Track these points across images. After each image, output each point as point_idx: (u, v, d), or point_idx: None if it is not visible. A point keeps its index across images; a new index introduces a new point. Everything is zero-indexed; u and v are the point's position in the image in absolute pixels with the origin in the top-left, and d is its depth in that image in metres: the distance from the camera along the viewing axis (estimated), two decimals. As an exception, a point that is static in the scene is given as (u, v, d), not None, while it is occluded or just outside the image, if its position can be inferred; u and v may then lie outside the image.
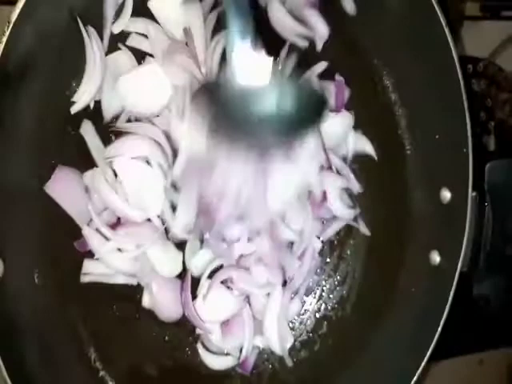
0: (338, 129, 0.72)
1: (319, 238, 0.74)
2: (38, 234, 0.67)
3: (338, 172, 0.74)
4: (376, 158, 0.75)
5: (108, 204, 0.67)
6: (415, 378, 0.64)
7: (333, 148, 0.73)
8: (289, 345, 0.74)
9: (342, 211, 0.73)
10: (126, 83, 0.66)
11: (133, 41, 0.70)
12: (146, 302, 0.70)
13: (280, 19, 0.71)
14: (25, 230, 0.65)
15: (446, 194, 0.66)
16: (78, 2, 0.64)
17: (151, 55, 0.70)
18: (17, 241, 0.64)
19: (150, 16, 0.69)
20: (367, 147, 0.75)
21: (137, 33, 0.70)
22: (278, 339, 0.71)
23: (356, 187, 0.74)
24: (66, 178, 0.68)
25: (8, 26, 0.56)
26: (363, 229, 0.75)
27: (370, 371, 0.71)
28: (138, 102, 0.68)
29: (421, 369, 0.64)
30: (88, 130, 0.69)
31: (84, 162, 0.69)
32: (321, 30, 0.71)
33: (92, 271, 0.69)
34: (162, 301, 0.69)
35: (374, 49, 0.73)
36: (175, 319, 0.71)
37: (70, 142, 0.69)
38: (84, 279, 0.69)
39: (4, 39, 0.55)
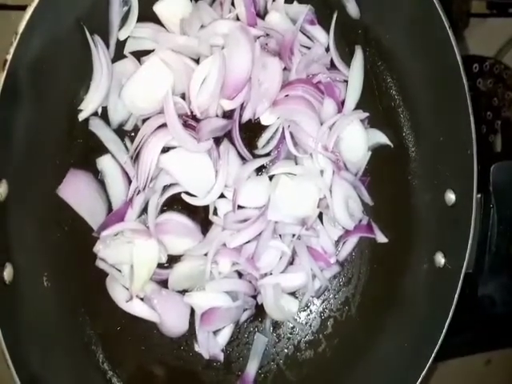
0: (356, 140, 0.71)
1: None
2: (47, 238, 0.67)
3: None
4: (392, 145, 0.73)
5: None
6: (421, 378, 0.64)
7: (349, 160, 0.72)
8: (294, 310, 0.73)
9: (349, 223, 0.72)
10: (129, 91, 0.66)
11: (132, 45, 0.70)
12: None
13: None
14: (34, 233, 0.66)
15: (451, 196, 0.66)
16: (83, 11, 0.64)
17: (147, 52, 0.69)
18: (26, 245, 0.64)
19: (155, 20, 0.69)
20: (381, 138, 0.74)
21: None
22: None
23: (367, 199, 0.73)
24: (78, 180, 0.68)
25: (15, 37, 0.55)
26: (380, 238, 0.74)
27: (376, 371, 0.71)
28: (143, 104, 0.67)
29: (426, 368, 0.64)
30: (98, 126, 0.69)
31: (93, 164, 0.69)
32: (320, 39, 0.72)
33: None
34: (166, 317, 0.69)
35: (377, 52, 0.73)
36: (179, 334, 0.71)
37: (78, 147, 0.70)
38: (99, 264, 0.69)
39: (12, 50, 0.55)
